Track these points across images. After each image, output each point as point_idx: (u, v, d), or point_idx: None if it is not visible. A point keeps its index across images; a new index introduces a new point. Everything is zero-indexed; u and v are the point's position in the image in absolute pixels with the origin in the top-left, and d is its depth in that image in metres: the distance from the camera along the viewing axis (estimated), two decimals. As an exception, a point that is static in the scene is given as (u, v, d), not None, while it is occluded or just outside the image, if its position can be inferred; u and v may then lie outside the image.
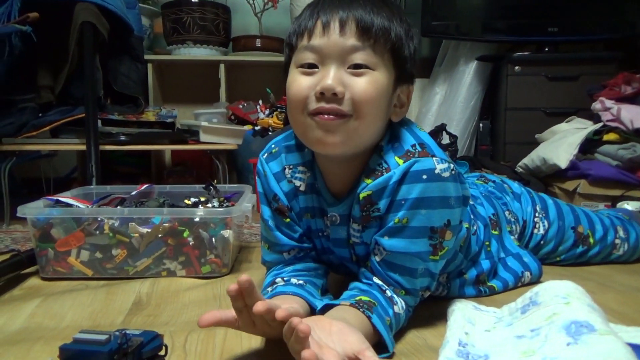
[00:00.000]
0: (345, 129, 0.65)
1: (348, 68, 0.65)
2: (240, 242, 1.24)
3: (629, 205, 1.36)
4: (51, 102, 1.64)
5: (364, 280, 0.71)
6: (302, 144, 0.75)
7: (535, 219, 1.01)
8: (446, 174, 0.66)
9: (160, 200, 1.16)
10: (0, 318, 0.77)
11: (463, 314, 0.71)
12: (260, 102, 2.28)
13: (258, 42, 2.41)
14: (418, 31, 2.15)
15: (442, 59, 2.48)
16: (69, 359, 0.51)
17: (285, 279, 0.74)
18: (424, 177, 0.65)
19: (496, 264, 0.89)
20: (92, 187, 1.30)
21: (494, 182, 1.06)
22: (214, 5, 2.34)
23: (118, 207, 1.09)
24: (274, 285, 0.73)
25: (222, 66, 2.37)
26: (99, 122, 1.63)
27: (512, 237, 0.95)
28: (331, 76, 0.64)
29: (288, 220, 0.77)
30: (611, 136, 1.67)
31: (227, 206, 1.12)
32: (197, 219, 0.97)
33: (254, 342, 0.66)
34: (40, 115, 1.61)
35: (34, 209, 0.97)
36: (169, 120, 1.89)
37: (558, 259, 1.05)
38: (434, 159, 0.66)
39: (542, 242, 1.02)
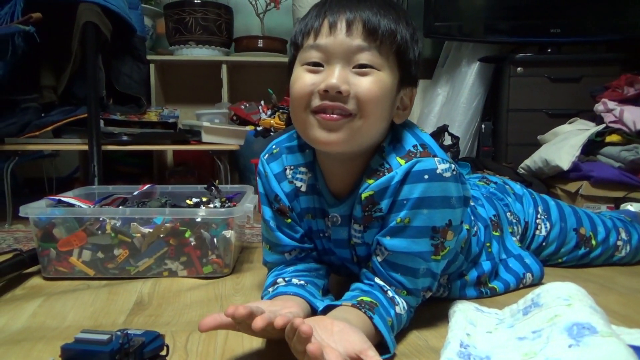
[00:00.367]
0: (349, 127, 0.65)
1: (353, 68, 0.65)
2: (242, 242, 1.24)
3: (631, 207, 1.36)
4: (54, 102, 1.64)
5: (366, 281, 0.71)
6: (304, 144, 0.75)
7: (537, 221, 1.01)
8: (448, 174, 0.66)
9: (162, 200, 1.16)
10: (2, 317, 0.77)
11: (464, 315, 0.71)
12: (262, 102, 2.27)
13: (260, 43, 2.41)
14: (420, 32, 2.14)
15: (445, 60, 2.47)
16: (70, 358, 0.52)
17: (286, 279, 0.74)
18: (426, 177, 0.65)
19: (497, 265, 0.89)
20: (94, 187, 1.30)
21: (495, 183, 1.06)
22: (217, 5, 2.34)
23: (120, 207, 1.10)
24: (275, 286, 0.73)
25: (224, 67, 2.38)
26: (101, 122, 1.64)
27: (514, 239, 0.95)
28: (336, 75, 0.64)
29: (289, 220, 0.77)
30: (614, 138, 1.66)
31: (228, 206, 1.11)
32: (198, 219, 0.97)
33: (255, 342, 0.66)
34: (42, 115, 1.61)
35: (36, 209, 0.97)
36: (171, 120, 1.89)
37: (560, 260, 1.04)
38: (436, 159, 0.66)
39: (544, 243, 1.02)
